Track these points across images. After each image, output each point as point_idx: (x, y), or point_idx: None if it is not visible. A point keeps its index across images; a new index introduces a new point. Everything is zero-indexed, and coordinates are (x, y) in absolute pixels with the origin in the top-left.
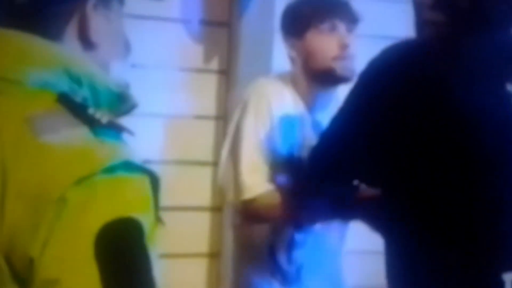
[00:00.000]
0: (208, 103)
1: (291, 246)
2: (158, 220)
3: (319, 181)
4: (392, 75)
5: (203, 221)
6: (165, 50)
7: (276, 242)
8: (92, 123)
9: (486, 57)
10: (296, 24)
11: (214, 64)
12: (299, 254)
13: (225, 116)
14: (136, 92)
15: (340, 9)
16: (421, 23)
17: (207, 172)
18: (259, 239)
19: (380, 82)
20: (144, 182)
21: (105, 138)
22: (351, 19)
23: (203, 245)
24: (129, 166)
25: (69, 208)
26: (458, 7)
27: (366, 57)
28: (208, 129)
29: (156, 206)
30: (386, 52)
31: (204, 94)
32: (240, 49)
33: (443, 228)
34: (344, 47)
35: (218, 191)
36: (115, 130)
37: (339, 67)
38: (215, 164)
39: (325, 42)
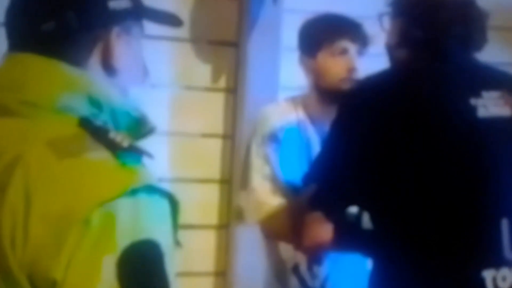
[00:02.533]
0: (215, 121)
1: (313, 261)
2: (177, 242)
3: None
4: (371, 103)
5: (210, 239)
6: (173, 68)
7: (300, 258)
8: (113, 147)
9: (450, 79)
10: (309, 44)
11: (222, 83)
12: (322, 269)
13: (233, 135)
14: (144, 110)
15: (353, 31)
16: (392, 62)
17: (214, 190)
18: (284, 257)
19: (360, 110)
20: (164, 205)
21: (127, 162)
22: (363, 41)
23: (210, 264)
24: (150, 189)
25: (93, 231)
26: (419, 42)
27: None
28: (216, 147)
29: (175, 228)
30: (364, 82)
31: (211, 113)
32: (247, 67)
33: (424, 233)
34: (352, 70)
35: (229, 210)
36: (136, 153)
37: (345, 88)
38: (221, 182)
39: (334, 64)
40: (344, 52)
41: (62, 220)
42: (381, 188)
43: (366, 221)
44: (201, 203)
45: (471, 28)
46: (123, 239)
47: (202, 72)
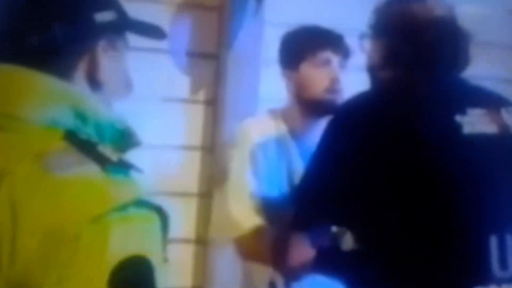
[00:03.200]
0: (194, 134)
1: (292, 279)
2: (165, 258)
3: (303, 223)
4: (356, 124)
5: (188, 253)
6: (152, 80)
7: (276, 277)
8: (102, 161)
9: (435, 96)
10: (291, 55)
11: (201, 95)
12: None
13: (212, 147)
14: (112, 111)
15: (334, 43)
16: (374, 83)
17: (192, 203)
18: (260, 275)
19: (345, 131)
20: (154, 219)
21: (116, 176)
22: (344, 53)
23: (187, 279)
24: (140, 204)
25: (84, 246)
26: (404, 62)
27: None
28: (195, 160)
29: (164, 243)
30: (348, 103)
31: (190, 125)
32: (227, 79)
33: (411, 252)
34: (335, 81)
35: (203, 222)
36: (125, 167)
37: (328, 99)
38: (200, 195)
39: (317, 75)
40: (326, 63)
41: (52, 236)
42: (366, 207)
43: (347, 241)
44: (179, 217)
45: (456, 47)
46: (114, 256)
47: (181, 83)
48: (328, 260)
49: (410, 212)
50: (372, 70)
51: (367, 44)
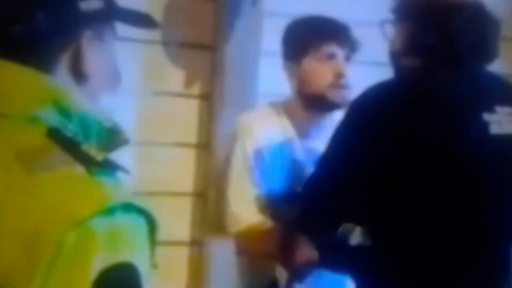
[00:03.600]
0: (189, 130)
1: (296, 279)
2: (153, 264)
3: (311, 221)
4: (376, 114)
5: (182, 256)
6: (143, 73)
7: (279, 275)
8: (87, 162)
9: (462, 90)
10: (294, 48)
11: (196, 89)
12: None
13: (207, 145)
14: (112, 117)
15: (340, 35)
16: (398, 71)
17: (186, 203)
18: (260, 273)
19: (365, 121)
20: (141, 224)
21: (102, 178)
22: (351, 46)
23: (182, 282)
24: (127, 208)
25: (67, 252)
26: (430, 49)
27: (362, 84)
28: (189, 157)
29: (153, 249)
30: (368, 92)
31: (184, 121)
32: (224, 72)
33: (427, 254)
34: (339, 76)
35: (198, 223)
36: (111, 168)
37: (332, 95)
38: (195, 195)
39: (321, 70)
40: (331, 57)
41: (34, 239)
42: (384, 203)
43: (356, 236)
44: (174, 218)
45: (484, 36)
46: (99, 262)
47: (175, 77)
48: (336, 256)
49: (428, 213)
50: (395, 57)
51: (389, 30)
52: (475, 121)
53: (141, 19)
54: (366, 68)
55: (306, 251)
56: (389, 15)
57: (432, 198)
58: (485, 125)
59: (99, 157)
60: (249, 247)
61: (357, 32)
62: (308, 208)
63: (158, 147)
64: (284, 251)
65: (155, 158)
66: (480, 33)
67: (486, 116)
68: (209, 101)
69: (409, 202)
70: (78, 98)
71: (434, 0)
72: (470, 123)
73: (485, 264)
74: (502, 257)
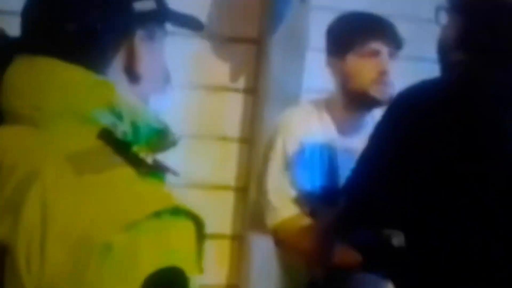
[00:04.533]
0: (233, 124)
1: (331, 281)
2: (201, 268)
3: (351, 221)
4: (418, 113)
5: (224, 250)
6: (189, 67)
7: (318, 275)
8: (137, 164)
9: (506, 91)
10: (338, 44)
11: (241, 83)
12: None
13: (251, 139)
14: (156, 109)
15: (385, 32)
16: (446, 66)
17: (229, 198)
18: (301, 269)
19: (406, 120)
20: (190, 228)
21: (151, 180)
22: (395, 43)
23: (222, 276)
24: (176, 211)
25: (115, 255)
26: (480, 44)
27: (402, 79)
28: (232, 151)
29: (200, 253)
30: (411, 90)
31: (229, 115)
32: (269, 67)
33: (464, 260)
34: (383, 73)
35: (240, 217)
36: (160, 170)
37: (376, 92)
38: (238, 189)
39: (365, 66)
40: (375, 54)
41: (82, 243)
42: (423, 206)
43: (399, 241)
44: (215, 211)
45: None
46: (147, 265)
47: (221, 70)
48: (378, 259)
49: (464, 213)
50: (444, 50)
51: (444, 17)
52: None
53: (189, 21)
54: (409, 64)
55: (346, 253)
56: (444, 3)
57: (473, 200)
58: None
59: (149, 159)
60: (286, 241)
61: (402, 28)
62: (349, 208)
63: (202, 140)
64: (321, 252)
65: (198, 152)
66: None
67: None
68: (254, 96)
69: (449, 204)
70: (129, 99)
71: None
72: (495, 133)
73: None
74: None
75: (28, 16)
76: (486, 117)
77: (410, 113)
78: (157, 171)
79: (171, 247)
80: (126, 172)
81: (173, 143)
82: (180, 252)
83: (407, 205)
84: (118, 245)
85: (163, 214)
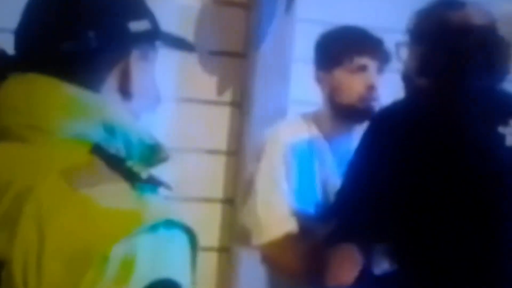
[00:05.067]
0: (219, 137)
1: None
2: (194, 281)
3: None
4: (397, 132)
5: (211, 262)
6: (175, 79)
7: None
8: (131, 178)
9: (474, 107)
10: (327, 58)
11: (227, 96)
12: None
13: (237, 152)
14: (143, 124)
15: (373, 48)
16: (410, 91)
17: (216, 210)
18: (290, 282)
19: (384, 140)
20: (184, 241)
21: (145, 194)
22: (383, 58)
23: (210, 286)
24: (170, 224)
25: (111, 269)
26: (441, 70)
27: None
28: (219, 164)
29: (194, 266)
30: (387, 111)
31: (215, 128)
32: (255, 80)
33: (449, 273)
34: (371, 88)
35: (227, 230)
36: (154, 184)
37: (363, 106)
38: (225, 201)
39: (353, 81)
40: (363, 69)
41: (78, 256)
42: (407, 222)
43: (382, 261)
44: (202, 224)
45: (494, 56)
46: (142, 278)
47: (206, 84)
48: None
49: (447, 226)
50: (408, 77)
51: (404, 51)
52: (491, 134)
53: (180, 42)
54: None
55: (344, 272)
56: (403, 37)
57: (450, 214)
58: (501, 137)
59: (143, 173)
60: (275, 261)
61: (389, 40)
62: (342, 223)
63: (188, 153)
64: (317, 269)
65: (185, 164)
66: (490, 54)
67: (501, 129)
68: (240, 108)
69: (428, 219)
70: (122, 116)
71: (445, 22)
72: (485, 137)
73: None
74: None
75: (22, 34)
76: (455, 133)
77: (389, 133)
78: (151, 185)
79: (166, 259)
80: (120, 186)
81: (164, 158)
82: (175, 265)
83: (392, 222)
84: (114, 258)
85: (158, 227)
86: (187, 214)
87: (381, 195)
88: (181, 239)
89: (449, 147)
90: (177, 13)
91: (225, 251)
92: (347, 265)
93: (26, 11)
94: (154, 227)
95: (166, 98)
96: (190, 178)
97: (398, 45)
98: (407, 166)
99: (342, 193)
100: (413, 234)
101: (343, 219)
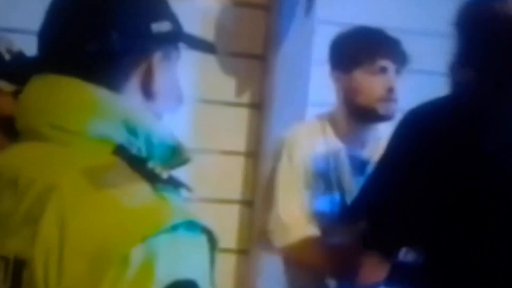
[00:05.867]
0: (238, 138)
1: None
2: (212, 282)
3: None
4: (425, 133)
5: (229, 265)
6: (194, 81)
7: None
8: (153, 179)
9: (505, 115)
10: (345, 60)
11: (246, 97)
12: None
13: (256, 153)
14: (163, 125)
15: (392, 50)
16: (455, 83)
17: (234, 212)
18: (309, 283)
19: (418, 140)
20: (203, 243)
21: (166, 195)
22: (401, 60)
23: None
24: (190, 226)
25: (132, 268)
26: (484, 63)
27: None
28: (237, 166)
29: (213, 268)
30: (422, 108)
31: (234, 129)
32: (274, 81)
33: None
34: (390, 90)
35: (245, 231)
36: (175, 186)
37: (382, 108)
38: (242, 202)
39: (372, 83)
40: (383, 71)
41: (99, 255)
42: (429, 222)
43: (413, 256)
44: (220, 226)
45: None
46: (162, 279)
47: (226, 85)
48: (397, 276)
49: (471, 228)
50: (452, 69)
51: (450, 45)
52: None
53: (202, 43)
54: (419, 77)
55: (374, 272)
56: (440, 23)
57: (474, 216)
58: None
59: (164, 174)
60: (300, 261)
61: (407, 41)
62: (373, 226)
63: (207, 154)
64: (347, 269)
65: (204, 166)
66: None
67: None
68: (259, 110)
69: (454, 220)
70: (145, 117)
71: (492, 16)
72: (505, 151)
73: None
74: None
75: (46, 36)
76: (495, 136)
77: (421, 132)
78: (172, 186)
79: (186, 261)
80: (142, 187)
81: (186, 160)
82: (195, 266)
83: (422, 223)
84: (135, 257)
85: (179, 228)
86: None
87: (410, 197)
88: (201, 241)
89: (482, 149)
90: (197, 15)
91: (244, 253)
92: (377, 270)
93: (49, 12)
94: (174, 228)
95: (186, 99)
96: (209, 179)
97: (443, 35)
98: (437, 167)
99: (369, 193)
100: (442, 237)
101: (373, 222)
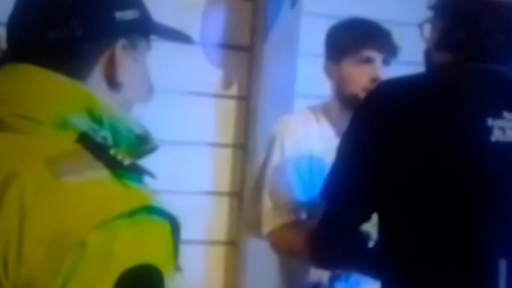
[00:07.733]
0: (226, 130)
1: (334, 280)
2: (177, 267)
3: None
4: (384, 109)
5: (218, 256)
6: (181, 73)
7: (322, 277)
8: (113, 165)
9: (478, 89)
10: (335, 50)
11: (234, 89)
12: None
13: (244, 145)
14: (150, 118)
15: (380, 40)
16: (428, 67)
17: (223, 203)
18: (301, 275)
19: (371, 117)
20: (165, 227)
21: (127, 181)
22: (390, 51)
23: (218, 282)
24: (151, 210)
25: (90, 253)
26: (459, 45)
27: None
28: (226, 157)
29: (176, 252)
30: (393, 81)
31: (222, 121)
32: (261, 73)
33: (424, 262)
34: (375, 80)
35: (235, 223)
36: (137, 172)
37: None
38: (232, 194)
39: (358, 73)
40: (368, 61)
41: (58, 241)
42: (389, 203)
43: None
44: (209, 217)
45: None
46: (121, 263)
47: (213, 77)
48: (357, 259)
49: (428, 210)
50: (428, 53)
51: (427, 29)
52: (478, 126)
53: (175, 34)
54: (406, 68)
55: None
56: (427, 14)
57: (432, 200)
58: (487, 131)
59: (126, 161)
60: (281, 247)
61: (396, 32)
62: (327, 211)
63: (195, 147)
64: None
65: (192, 158)
66: (509, 33)
67: (490, 121)
68: (247, 102)
69: (410, 203)
70: (110, 105)
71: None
72: (472, 128)
73: (474, 277)
74: (491, 273)
75: (11, 25)
76: (443, 117)
77: (390, 103)
78: (135, 173)
79: (145, 244)
80: (103, 174)
81: (153, 149)
82: (155, 250)
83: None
84: (92, 243)
85: (138, 213)
86: (194, 207)
87: (367, 175)
88: (162, 226)
89: (434, 131)
90: (184, 6)
91: (233, 245)
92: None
93: (16, 2)
94: (133, 213)
95: (175, 92)
96: (197, 171)
97: (422, 23)
98: (391, 145)
99: (329, 175)
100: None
101: (329, 203)
